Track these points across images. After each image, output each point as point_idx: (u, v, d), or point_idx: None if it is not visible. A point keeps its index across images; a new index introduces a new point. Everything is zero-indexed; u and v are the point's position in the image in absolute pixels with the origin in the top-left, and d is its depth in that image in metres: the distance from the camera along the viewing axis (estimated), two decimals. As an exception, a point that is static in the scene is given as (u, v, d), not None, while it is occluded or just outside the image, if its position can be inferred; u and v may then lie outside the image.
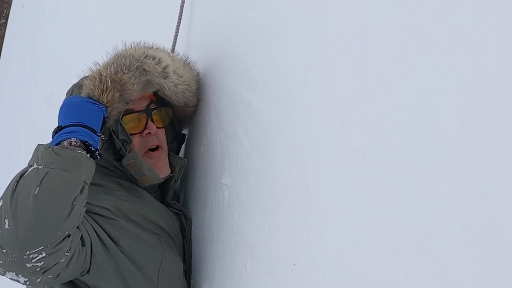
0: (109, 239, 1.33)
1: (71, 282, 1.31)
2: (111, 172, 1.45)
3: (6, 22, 4.66)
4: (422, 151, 0.87)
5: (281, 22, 1.32)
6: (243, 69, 1.45)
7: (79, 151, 1.21)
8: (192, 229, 1.61)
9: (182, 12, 1.80)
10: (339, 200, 1.04)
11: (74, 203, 1.16)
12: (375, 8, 1.01)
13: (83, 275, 1.29)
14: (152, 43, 1.52)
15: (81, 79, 1.45)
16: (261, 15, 1.41)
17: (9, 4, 4.68)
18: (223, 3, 1.66)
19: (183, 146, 1.70)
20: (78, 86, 1.43)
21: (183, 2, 1.81)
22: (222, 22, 1.65)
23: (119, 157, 1.44)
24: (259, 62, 1.39)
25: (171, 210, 1.55)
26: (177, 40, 1.78)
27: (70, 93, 1.46)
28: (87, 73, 1.45)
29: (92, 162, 1.24)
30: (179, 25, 1.80)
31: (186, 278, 1.54)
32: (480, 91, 0.79)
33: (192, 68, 1.60)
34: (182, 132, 1.68)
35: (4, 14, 5.57)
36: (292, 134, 1.21)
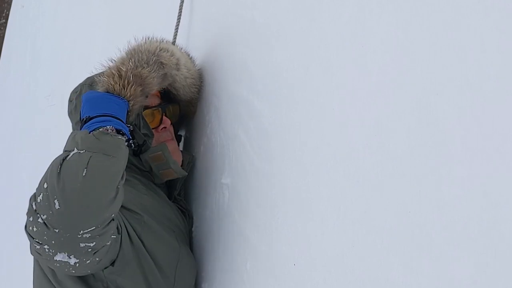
0: (134, 233, 1.33)
1: (84, 282, 1.30)
2: (128, 167, 1.45)
3: (6, 22, 4.67)
4: (422, 151, 0.87)
5: (281, 22, 1.32)
6: (243, 69, 1.45)
7: (119, 137, 1.21)
8: (192, 229, 1.61)
9: (181, 12, 1.80)
10: (339, 200, 1.04)
11: (119, 187, 1.17)
12: (375, 8, 1.01)
13: (106, 268, 1.28)
14: (161, 38, 1.54)
15: (93, 76, 1.45)
16: (261, 15, 1.41)
17: (9, 4, 4.68)
18: (222, 3, 1.66)
19: (182, 146, 1.71)
20: (88, 84, 1.44)
21: (182, 2, 1.81)
22: (221, 22, 1.65)
23: (135, 153, 1.45)
24: (259, 62, 1.39)
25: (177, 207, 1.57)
26: (177, 40, 1.78)
27: (78, 92, 1.46)
28: (99, 70, 1.44)
29: (127, 150, 1.24)
30: (178, 24, 1.80)
31: None
32: (480, 91, 0.79)
33: (195, 64, 1.63)
34: (179, 133, 1.69)
35: (4, 14, 5.57)
36: (292, 134, 1.21)
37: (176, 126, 1.65)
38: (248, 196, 1.34)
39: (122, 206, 1.31)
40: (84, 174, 1.11)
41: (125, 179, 1.38)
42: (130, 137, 1.30)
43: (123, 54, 1.44)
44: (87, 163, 1.12)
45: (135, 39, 1.49)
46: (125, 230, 1.30)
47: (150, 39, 1.50)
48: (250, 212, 1.33)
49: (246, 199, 1.35)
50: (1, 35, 4.94)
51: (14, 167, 3.34)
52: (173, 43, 1.77)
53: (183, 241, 1.48)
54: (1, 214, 3.40)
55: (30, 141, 3.17)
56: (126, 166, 1.43)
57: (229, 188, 1.44)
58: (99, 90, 1.36)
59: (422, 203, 0.86)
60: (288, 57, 1.27)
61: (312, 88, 1.17)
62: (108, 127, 1.24)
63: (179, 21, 1.80)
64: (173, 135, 1.57)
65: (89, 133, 1.19)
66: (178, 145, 1.68)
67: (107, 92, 1.34)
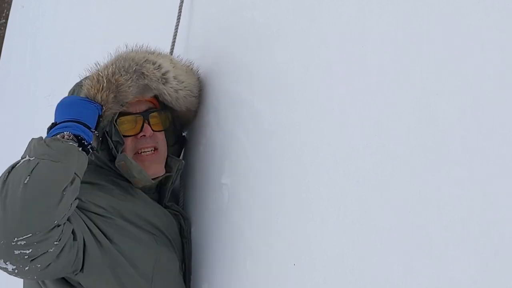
0: (103, 236, 1.34)
1: (65, 282, 1.32)
2: (107, 171, 1.46)
3: (6, 22, 4.67)
4: (422, 151, 0.87)
5: (281, 22, 1.32)
6: (243, 69, 1.45)
7: (70, 143, 1.23)
8: (192, 229, 1.61)
9: (181, 12, 1.80)
10: (339, 200, 1.04)
11: (64, 193, 1.18)
12: (375, 8, 1.01)
13: (76, 274, 1.29)
14: (155, 48, 1.53)
15: (83, 78, 1.46)
16: (261, 15, 1.41)
17: (9, 4, 4.68)
18: (222, 3, 1.66)
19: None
20: (80, 85, 1.45)
21: (182, 2, 1.81)
22: (221, 22, 1.65)
23: (113, 158, 1.45)
24: (259, 62, 1.39)
25: (169, 212, 1.55)
26: (176, 40, 1.78)
27: (72, 92, 1.48)
28: (88, 73, 1.46)
29: (84, 155, 1.26)
30: (178, 25, 1.80)
31: (185, 279, 1.54)
32: (480, 91, 0.79)
33: (195, 73, 1.61)
34: (183, 134, 1.69)
35: (4, 14, 5.57)
36: (292, 134, 1.21)
37: (179, 129, 1.65)
38: (248, 196, 1.34)
39: (92, 212, 1.34)
40: (25, 182, 1.13)
41: (100, 184, 1.41)
42: (91, 142, 1.29)
43: (112, 58, 1.45)
44: (32, 170, 1.15)
45: (126, 45, 1.48)
46: (90, 236, 1.31)
47: (140, 47, 1.50)
48: (250, 212, 1.33)
49: (246, 199, 1.35)
50: (1, 35, 4.94)
51: (14, 167, 3.32)
52: (173, 43, 1.77)
53: (164, 243, 1.48)
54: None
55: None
56: (106, 170, 1.44)
57: (228, 188, 1.44)
58: (81, 93, 1.39)
59: (422, 203, 0.86)
60: (288, 57, 1.27)
61: (312, 88, 1.17)
62: (65, 133, 1.26)
63: (178, 21, 1.80)
64: (163, 141, 1.53)
65: (42, 139, 1.22)
66: (182, 147, 1.67)
67: (86, 95, 1.37)
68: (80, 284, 1.32)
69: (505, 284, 0.73)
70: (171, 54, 1.75)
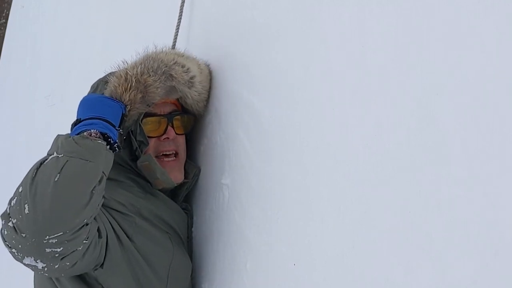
0: (124, 234, 1.34)
1: (81, 279, 1.32)
2: (127, 169, 1.46)
3: (6, 22, 4.66)
4: (422, 151, 0.87)
5: (281, 22, 1.32)
6: (243, 69, 1.45)
7: (99, 141, 1.23)
8: (192, 229, 1.61)
9: (182, 12, 1.80)
10: (339, 200, 1.04)
11: (93, 192, 1.18)
12: (375, 8, 1.01)
13: (96, 269, 1.29)
14: (184, 50, 1.53)
15: (107, 74, 1.46)
16: (261, 15, 1.41)
17: (9, 4, 4.68)
18: (222, 3, 1.66)
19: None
20: (104, 81, 1.44)
21: (183, 2, 1.81)
22: (222, 22, 1.65)
23: (135, 158, 1.45)
24: (259, 62, 1.39)
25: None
26: (177, 40, 1.78)
27: (96, 87, 1.47)
28: (114, 69, 1.45)
29: (111, 154, 1.25)
30: (179, 25, 1.80)
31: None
32: (480, 91, 0.79)
33: (211, 75, 1.60)
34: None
35: (4, 14, 5.57)
36: (292, 134, 1.21)
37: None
38: (248, 196, 1.34)
39: (113, 209, 1.34)
40: (56, 180, 1.13)
41: (120, 181, 1.41)
42: (116, 141, 1.29)
43: (140, 57, 1.44)
44: (62, 168, 1.14)
45: (155, 46, 1.48)
46: (113, 233, 1.31)
47: (170, 49, 1.50)
48: (250, 212, 1.33)
49: (246, 199, 1.35)
50: (1, 35, 4.94)
51: (14, 167, 3.34)
52: (174, 43, 1.77)
53: (178, 243, 1.48)
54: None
55: (30, 141, 3.18)
56: (126, 168, 1.44)
57: (229, 188, 1.44)
58: (106, 89, 1.38)
59: (422, 203, 0.86)
60: (288, 57, 1.27)
61: (312, 88, 1.17)
62: (92, 130, 1.25)
63: (179, 22, 1.80)
64: (184, 146, 1.54)
65: (70, 137, 1.21)
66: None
67: (111, 93, 1.36)
68: (96, 281, 1.32)
69: (505, 284, 0.73)
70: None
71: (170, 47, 1.70)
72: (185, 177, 1.54)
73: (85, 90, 1.50)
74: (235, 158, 1.43)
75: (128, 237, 1.35)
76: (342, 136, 1.06)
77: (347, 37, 1.08)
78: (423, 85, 0.89)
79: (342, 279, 1.01)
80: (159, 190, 1.49)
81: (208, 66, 1.59)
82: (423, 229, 0.85)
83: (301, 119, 1.19)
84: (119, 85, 1.36)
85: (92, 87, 1.49)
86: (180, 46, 1.77)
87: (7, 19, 4.60)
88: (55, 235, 1.11)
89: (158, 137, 1.47)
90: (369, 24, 1.02)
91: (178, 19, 1.80)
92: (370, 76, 1.01)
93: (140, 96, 1.37)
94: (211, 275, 1.48)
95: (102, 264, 1.29)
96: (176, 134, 1.50)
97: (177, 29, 1.80)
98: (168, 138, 1.48)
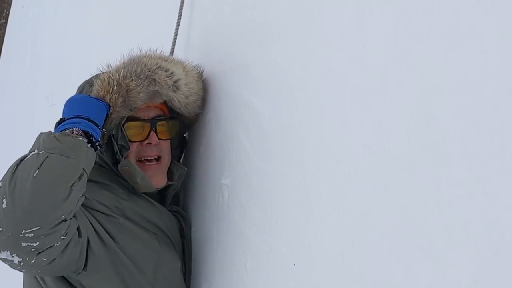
0: (107, 234, 1.34)
1: (66, 281, 1.32)
2: (110, 172, 1.46)
3: (6, 22, 4.66)
4: (422, 151, 0.87)
5: (281, 22, 1.32)
6: (243, 69, 1.45)
7: (80, 139, 1.24)
8: (192, 230, 1.61)
9: (181, 12, 1.80)
10: (339, 200, 1.04)
11: (72, 188, 1.18)
12: (375, 8, 1.01)
13: (79, 273, 1.29)
14: (169, 54, 1.52)
15: (93, 77, 1.46)
16: (261, 15, 1.41)
17: (9, 4, 4.68)
18: (222, 3, 1.66)
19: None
20: (89, 84, 1.44)
21: (182, 2, 1.81)
22: (222, 22, 1.65)
23: (116, 161, 1.45)
24: (259, 62, 1.39)
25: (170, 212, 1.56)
26: (177, 40, 1.78)
27: (82, 88, 1.48)
28: (99, 72, 1.46)
29: (92, 152, 1.26)
30: (178, 25, 1.80)
31: (185, 279, 1.54)
32: (480, 91, 0.79)
33: (203, 79, 1.60)
34: (184, 135, 1.68)
35: (4, 14, 5.57)
36: (292, 134, 1.21)
37: (183, 132, 1.63)
38: (248, 197, 1.34)
39: (95, 210, 1.34)
40: (35, 174, 1.14)
41: (105, 183, 1.41)
42: (99, 140, 1.29)
43: (124, 61, 1.45)
44: (41, 164, 1.16)
45: (140, 49, 1.48)
46: (94, 234, 1.31)
47: (154, 52, 1.49)
48: (250, 212, 1.33)
49: (246, 200, 1.35)
50: (1, 35, 4.93)
51: (14, 167, 3.32)
52: (173, 43, 1.77)
53: (167, 244, 1.48)
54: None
55: (30, 141, 3.16)
56: (107, 170, 1.44)
57: (228, 188, 1.44)
58: (92, 92, 1.39)
59: (422, 203, 0.86)
60: (288, 57, 1.27)
61: (312, 88, 1.17)
62: (74, 128, 1.26)
63: (179, 22, 1.80)
64: (168, 150, 1.52)
65: (51, 134, 1.23)
66: (183, 149, 1.66)
67: (95, 96, 1.37)
68: (80, 284, 1.32)
69: (505, 284, 0.73)
70: (172, 54, 1.74)
71: (159, 49, 1.69)
72: (171, 179, 1.53)
73: (85, 90, 1.50)
74: (235, 158, 1.42)
75: (111, 237, 1.35)
76: (342, 136, 1.06)
77: (347, 37, 1.08)
78: (423, 85, 0.88)
79: (342, 279, 1.01)
80: (144, 193, 1.48)
81: (197, 68, 1.58)
82: (423, 229, 0.85)
83: (301, 119, 1.19)
84: (101, 88, 1.37)
85: (78, 88, 1.49)
86: (180, 46, 1.77)
87: (7, 19, 4.60)
88: (32, 229, 1.12)
89: (141, 141, 1.47)
90: (369, 24, 1.02)
91: (178, 19, 1.80)
92: (370, 76, 1.00)
93: (121, 100, 1.38)
94: (211, 275, 1.48)
95: (85, 266, 1.29)
96: (159, 139, 1.49)
97: (177, 29, 1.80)
98: (150, 143, 1.47)
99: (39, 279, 1.35)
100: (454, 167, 0.81)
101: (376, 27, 1.00)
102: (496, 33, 0.77)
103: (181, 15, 1.80)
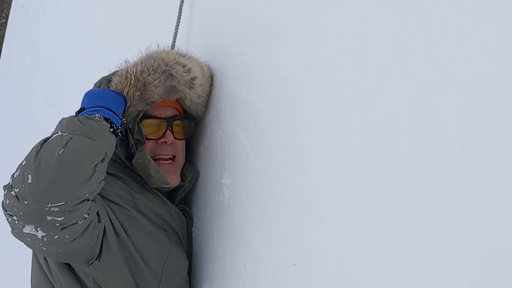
0: (120, 226, 1.35)
1: (74, 275, 1.32)
2: (124, 167, 1.47)
3: (6, 22, 4.66)
4: (422, 151, 0.87)
5: (281, 21, 1.32)
6: (243, 69, 1.45)
7: (103, 123, 1.26)
8: (192, 229, 1.61)
9: (181, 11, 1.80)
10: (339, 200, 1.04)
11: (96, 168, 1.20)
12: (375, 8, 1.01)
13: (92, 263, 1.30)
14: (186, 51, 1.53)
15: (111, 73, 1.47)
16: (261, 15, 1.41)
17: (9, 4, 4.68)
18: (222, 3, 1.66)
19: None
20: (107, 80, 1.46)
21: (182, 2, 1.81)
22: (222, 22, 1.65)
23: (130, 156, 1.45)
24: (259, 62, 1.39)
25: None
26: (177, 40, 1.78)
27: (98, 85, 1.49)
28: (117, 68, 1.47)
29: (113, 138, 1.29)
30: (178, 24, 1.80)
31: (190, 279, 1.54)
32: (480, 91, 0.79)
33: (212, 78, 1.60)
34: None
35: (4, 14, 5.57)
36: (292, 134, 1.21)
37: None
38: (248, 196, 1.34)
39: (110, 201, 1.35)
40: (60, 153, 1.16)
41: (119, 176, 1.42)
42: (119, 127, 1.32)
43: (142, 56, 1.46)
44: (66, 143, 1.18)
45: (157, 45, 1.48)
46: (110, 223, 1.32)
47: (172, 49, 1.51)
48: (250, 212, 1.33)
49: (246, 199, 1.35)
50: (1, 35, 4.93)
51: (14, 167, 3.32)
52: (173, 43, 1.77)
53: (175, 241, 1.48)
54: (2, 215, 3.39)
55: (30, 141, 3.16)
56: (121, 165, 1.44)
57: (229, 188, 1.44)
58: (110, 87, 1.41)
59: (422, 203, 0.86)
60: (288, 57, 1.27)
61: (312, 88, 1.17)
62: (96, 115, 1.28)
63: (179, 21, 1.80)
64: (182, 150, 1.54)
65: (75, 117, 1.26)
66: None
67: (115, 89, 1.39)
68: (88, 278, 1.32)
69: (505, 284, 0.73)
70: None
71: (170, 47, 1.70)
72: (182, 180, 1.54)
73: (85, 91, 1.50)
74: (235, 158, 1.43)
75: (124, 230, 1.36)
76: (342, 136, 1.06)
77: (347, 37, 1.08)
78: (423, 85, 0.88)
79: (342, 279, 1.01)
80: (155, 189, 1.49)
81: (210, 69, 1.59)
82: (423, 229, 0.85)
83: (301, 119, 1.19)
84: (120, 82, 1.39)
85: (95, 84, 1.50)
86: (180, 46, 1.77)
87: (7, 19, 4.60)
88: (57, 204, 1.14)
89: (157, 140, 1.48)
90: (369, 24, 1.02)
91: (178, 19, 1.80)
92: (370, 76, 1.00)
93: (138, 93, 1.39)
94: (211, 275, 1.48)
95: (99, 256, 1.30)
96: (175, 138, 1.50)
97: (176, 29, 1.80)
98: (165, 142, 1.48)
99: (47, 272, 1.35)
100: (454, 167, 0.81)
101: (376, 27, 1.00)
102: (496, 33, 0.77)
103: (181, 15, 1.80)
